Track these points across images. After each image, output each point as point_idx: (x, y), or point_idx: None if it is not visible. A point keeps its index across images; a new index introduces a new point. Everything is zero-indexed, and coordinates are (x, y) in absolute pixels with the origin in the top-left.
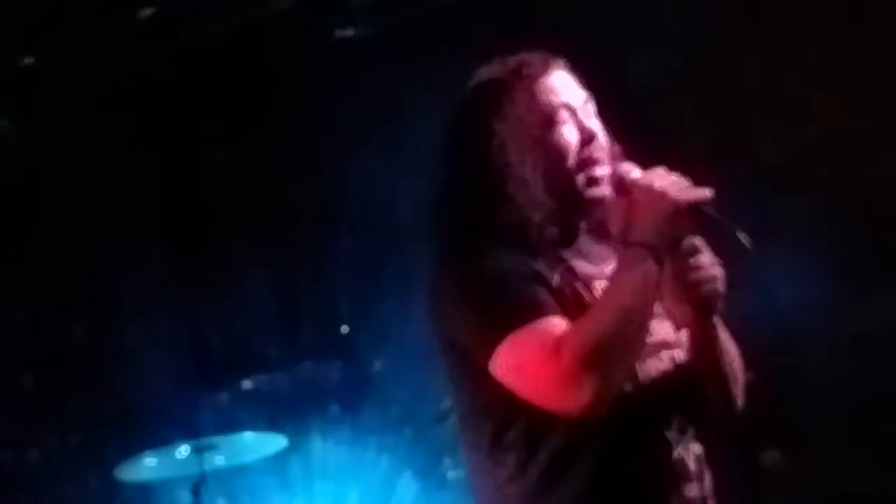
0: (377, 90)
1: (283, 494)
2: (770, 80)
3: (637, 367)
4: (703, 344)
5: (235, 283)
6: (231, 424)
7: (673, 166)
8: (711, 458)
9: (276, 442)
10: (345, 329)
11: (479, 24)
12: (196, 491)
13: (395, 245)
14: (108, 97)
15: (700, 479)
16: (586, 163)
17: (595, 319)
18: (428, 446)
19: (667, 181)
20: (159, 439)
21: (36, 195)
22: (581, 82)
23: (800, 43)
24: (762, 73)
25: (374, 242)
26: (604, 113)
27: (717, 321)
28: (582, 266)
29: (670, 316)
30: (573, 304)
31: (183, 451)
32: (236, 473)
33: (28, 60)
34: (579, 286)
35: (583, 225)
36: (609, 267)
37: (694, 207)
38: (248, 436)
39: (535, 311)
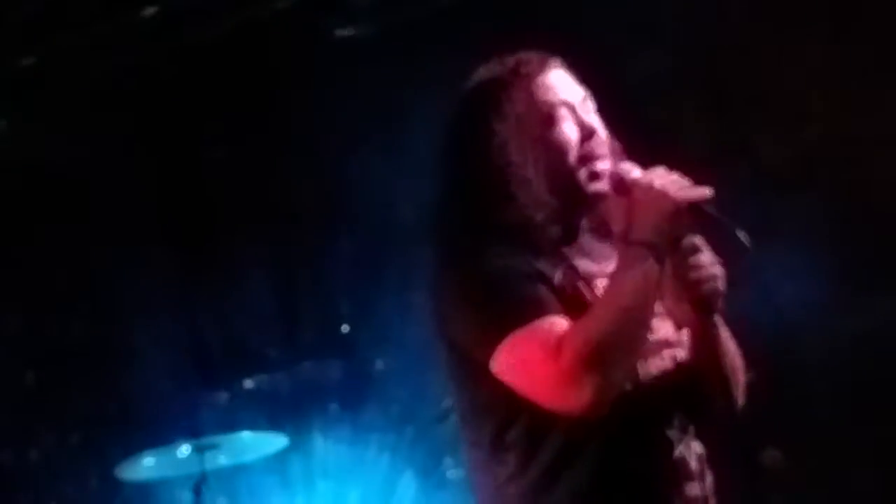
0: (377, 90)
1: (283, 494)
2: (770, 80)
3: (638, 365)
4: (704, 343)
5: (236, 283)
6: (231, 424)
7: (673, 166)
8: (712, 457)
9: (276, 441)
10: (345, 328)
11: (479, 23)
12: (197, 490)
13: (395, 245)
14: (108, 97)
15: (701, 478)
16: (587, 158)
17: (596, 319)
18: (429, 446)
19: (667, 180)
20: (160, 439)
21: (36, 195)
22: (579, 79)
23: (800, 43)
24: (762, 73)
25: (374, 242)
26: (604, 112)
27: (718, 320)
28: (584, 264)
29: (671, 315)
30: (575, 302)
31: (184, 450)
32: (237, 473)
33: (28, 60)
34: (581, 285)
35: (584, 223)
36: (611, 265)
37: (694, 206)
38: (249, 435)
39: (537, 310)
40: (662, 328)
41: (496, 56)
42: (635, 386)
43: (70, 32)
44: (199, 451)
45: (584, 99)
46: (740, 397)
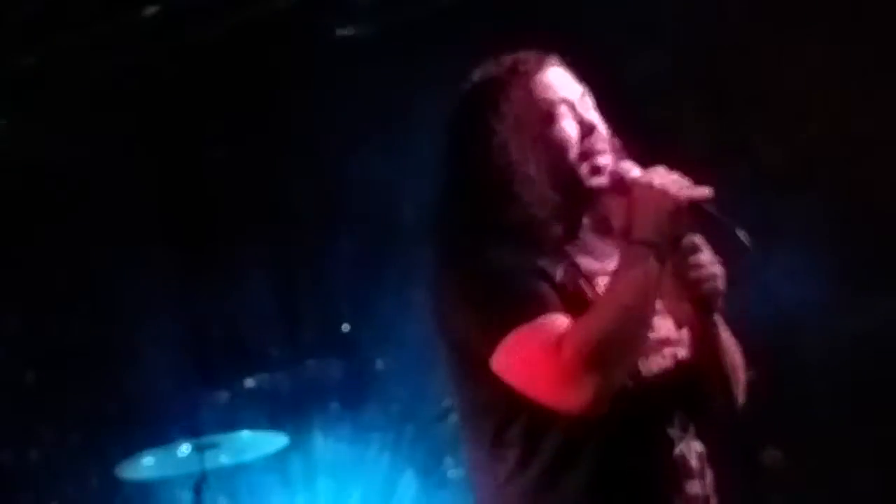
0: (377, 90)
1: (284, 493)
2: (770, 80)
3: (639, 363)
4: (704, 342)
5: (236, 283)
6: (232, 423)
7: (673, 165)
8: (712, 455)
9: (276, 440)
10: (345, 327)
11: (479, 23)
12: (197, 489)
13: (395, 245)
14: (108, 97)
15: (701, 476)
16: (588, 154)
17: (596, 318)
18: (429, 445)
19: (667, 179)
20: (160, 438)
21: (36, 195)
22: (577, 76)
23: (800, 43)
24: (762, 73)
25: (375, 242)
26: (604, 111)
27: (718, 319)
28: (585, 262)
29: (672, 313)
30: (576, 300)
31: (184, 449)
32: (237, 472)
33: (28, 60)
34: (582, 282)
35: (586, 220)
36: (612, 263)
37: (694, 205)
38: (249, 434)
39: (538, 308)
40: (663, 326)
41: (494, 55)
42: (636, 384)
43: (70, 32)
44: (199, 450)
45: (583, 95)
46: (740, 396)
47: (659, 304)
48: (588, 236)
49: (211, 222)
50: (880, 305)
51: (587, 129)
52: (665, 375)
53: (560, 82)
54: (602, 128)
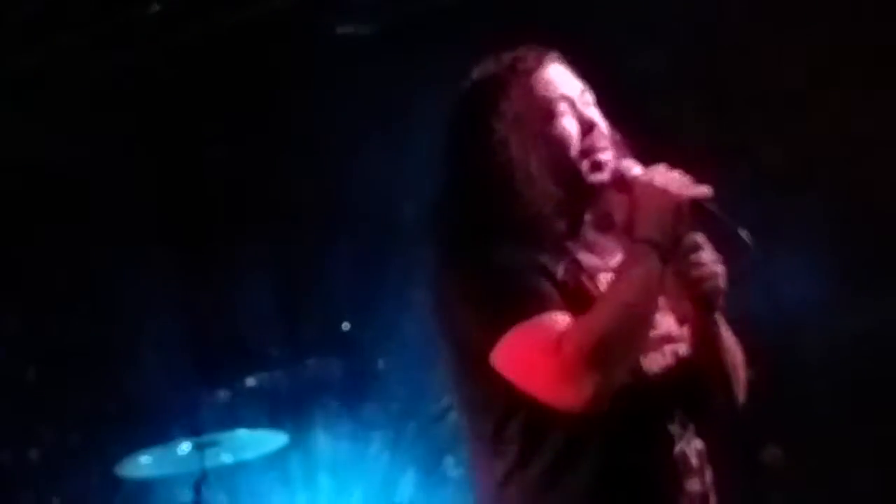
0: (377, 88)
1: (284, 492)
2: (770, 80)
3: (640, 360)
4: (705, 340)
5: (236, 283)
6: (232, 422)
7: (673, 163)
8: (712, 453)
9: (276, 439)
10: (345, 326)
11: (479, 21)
12: (197, 488)
13: (395, 244)
14: (108, 97)
15: (701, 474)
16: (589, 151)
17: (598, 316)
18: (429, 443)
19: (668, 178)
20: (161, 436)
21: (36, 195)
22: (576, 73)
23: (800, 43)
24: (762, 73)
25: (375, 241)
26: (604, 109)
27: (719, 317)
28: (587, 258)
29: (673, 311)
30: (578, 296)
31: (184, 448)
32: (237, 470)
33: (28, 60)
34: (584, 278)
35: (588, 216)
36: (614, 259)
37: (695, 204)
38: (249, 433)
39: (539, 305)
40: (664, 323)
41: (494, 53)
42: (637, 381)
43: (70, 32)
44: (199, 448)
45: (583, 92)
46: (741, 394)
47: (660, 302)
48: (589, 233)
49: (211, 222)
50: (880, 305)
51: (587, 126)
52: (666, 373)
53: (560, 79)
54: (602, 124)
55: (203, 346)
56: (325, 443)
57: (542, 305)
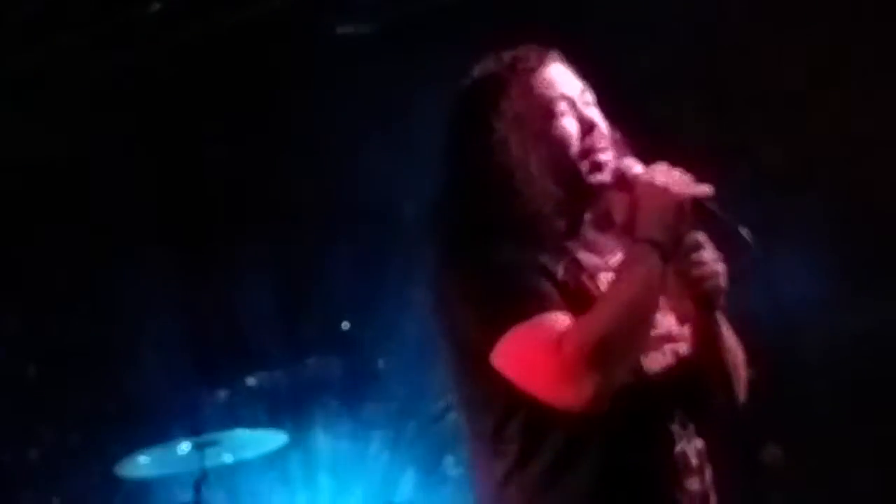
0: (378, 87)
1: (284, 491)
2: (770, 80)
3: (640, 360)
4: (705, 339)
5: (236, 282)
6: (232, 421)
7: (674, 162)
8: (712, 452)
9: (276, 438)
10: (345, 325)
11: (479, 21)
12: (197, 488)
13: (395, 243)
14: (108, 97)
15: (701, 473)
16: (589, 151)
17: (598, 316)
18: (429, 442)
19: (669, 177)
20: (161, 436)
21: (36, 195)
22: (576, 73)
23: (800, 43)
24: (762, 73)
25: (375, 240)
26: (604, 111)
27: (720, 316)
28: (587, 257)
29: (674, 310)
30: (579, 296)
31: (184, 447)
32: (237, 470)
33: (28, 60)
34: (584, 277)
35: (588, 215)
36: (614, 258)
37: (696, 203)
38: (249, 432)
39: (540, 305)
40: (664, 323)
41: (492, 52)
42: (638, 381)
43: (70, 32)
44: (199, 448)
45: (583, 92)
46: (741, 393)
47: (661, 301)
48: (589, 232)
49: (211, 222)
50: (880, 305)
51: (587, 126)
52: (667, 372)
53: (560, 79)
54: (602, 124)
55: (203, 346)
56: (324, 442)
57: (543, 305)
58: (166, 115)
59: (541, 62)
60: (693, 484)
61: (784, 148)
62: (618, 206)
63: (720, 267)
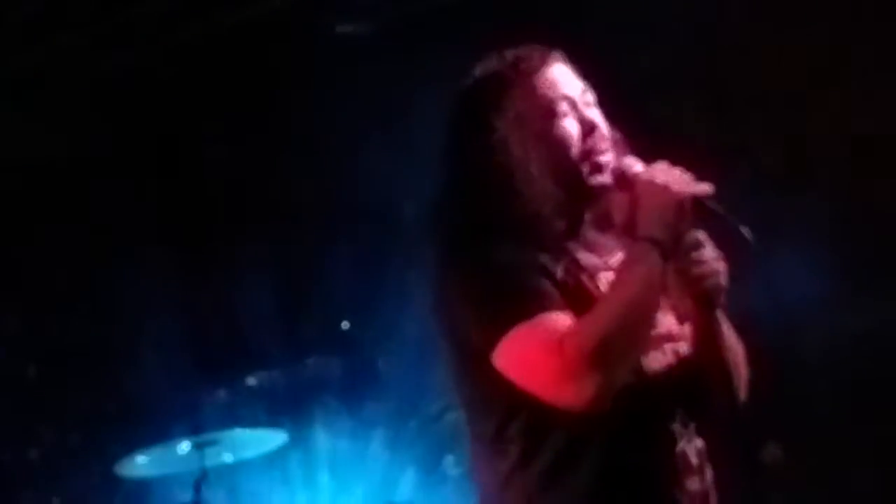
0: (377, 87)
1: (284, 490)
2: (770, 80)
3: (641, 359)
4: (706, 338)
5: (236, 282)
6: (232, 420)
7: (674, 161)
8: (712, 452)
9: (276, 438)
10: (345, 325)
11: (479, 21)
12: (197, 487)
13: (395, 243)
14: (108, 97)
15: (701, 472)
16: (590, 152)
17: (599, 315)
18: (430, 442)
19: (669, 175)
20: (161, 436)
21: (36, 195)
22: (578, 73)
23: (800, 43)
24: (762, 73)
25: (375, 240)
26: (604, 111)
27: (720, 315)
28: (587, 257)
29: (674, 309)
30: (578, 296)
31: (184, 447)
32: (237, 469)
33: (28, 60)
34: (584, 278)
35: (587, 216)
36: (613, 258)
37: (696, 201)
38: (249, 432)
39: (541, 305)
40: (665, 322)
41: (497, 51)
42: (638, 380)
43: (70, 32)
44: (199, 447)
45: (584, 92)
46: (742, 392)
47: (662, 300)
48: (589, 232)
49: (211, 222)
50: (880, 305)
51: (588, 128)
52: (667, 372)
53: (562, 79)
54: (603, 125)
55: (203, 346)
56: (325, 442)
57: (543, 305)
58: (166, 115)
59: (543, 62)
60: (693, 484)
61: (784, 148)
62: (618, 206)
63: (720, 265)
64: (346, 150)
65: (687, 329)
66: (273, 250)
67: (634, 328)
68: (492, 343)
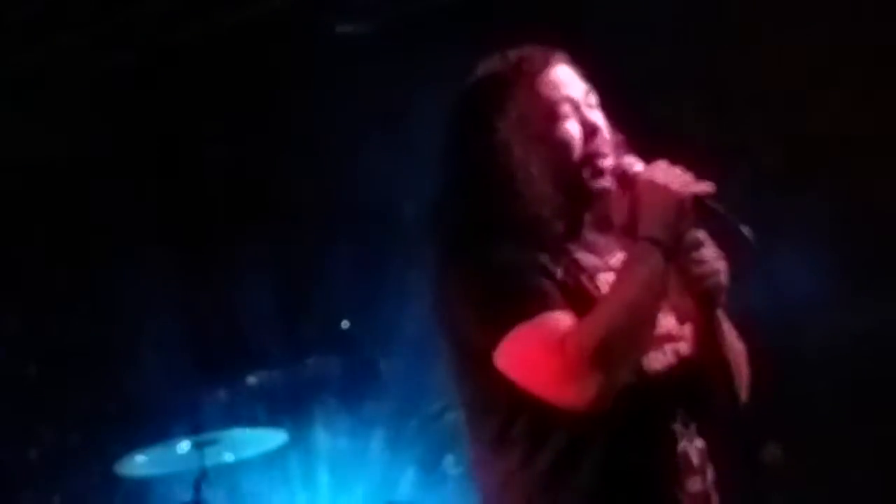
0: (377, 87)
1: (284, 490)
2: (770, 80)
3: (642, 359)
4: (707, 337)
5: (236, 282)
6: (232, 420)
7: (674, 160)
8: (713, 452)
9: (276, 437)
10: (345, 324)
11: (479, 21)
12: (197, 486)
13: (395, 243)
14: (108, 97)
15: (703, 472)
16: (591, 156)
17: (601, 315)
18: (430, 441)
19: (669, 174)
20: (161, 435)
21: (36, 195)
22: (581, 74)
23: (800, 43)
24: (762, 73)
25: (375, 240)
26: (604, 111)
27: (721, 315)
28: (586, 258)
29: (674, 309)
30: (578, 296)
31: (184, 446)
32: (237, 469)
33: (28, 60)
34: (584, 278)
35: (587, 217)
36: (613, 258)
37: (697, 200)
38: (249, 431)
39: (542, 305)
40: (666, 322)
41: (499, 51)
42: (639, 381)
43: (70, 32)
44: (199, 447)
45: (587, 94)
46: (743, 392)
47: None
48: (589, 233)
49: (211, 222)
50: (880, 305)
51: (590, 130)
52: (668, 372)
53: (565, 80)
54: (605, 129)
55: (203, 346)
56: (324, 441)
57: (545, 304)
58: (166, 115)
59: (547, 63)
60: (695, 484)
61: (784, 148)
62: (617, 206)
63: (721, 265)
64: (346, 150)
65: (687, 329)
66: (273, 250)
67: (636, 328)
68: (493, 343)
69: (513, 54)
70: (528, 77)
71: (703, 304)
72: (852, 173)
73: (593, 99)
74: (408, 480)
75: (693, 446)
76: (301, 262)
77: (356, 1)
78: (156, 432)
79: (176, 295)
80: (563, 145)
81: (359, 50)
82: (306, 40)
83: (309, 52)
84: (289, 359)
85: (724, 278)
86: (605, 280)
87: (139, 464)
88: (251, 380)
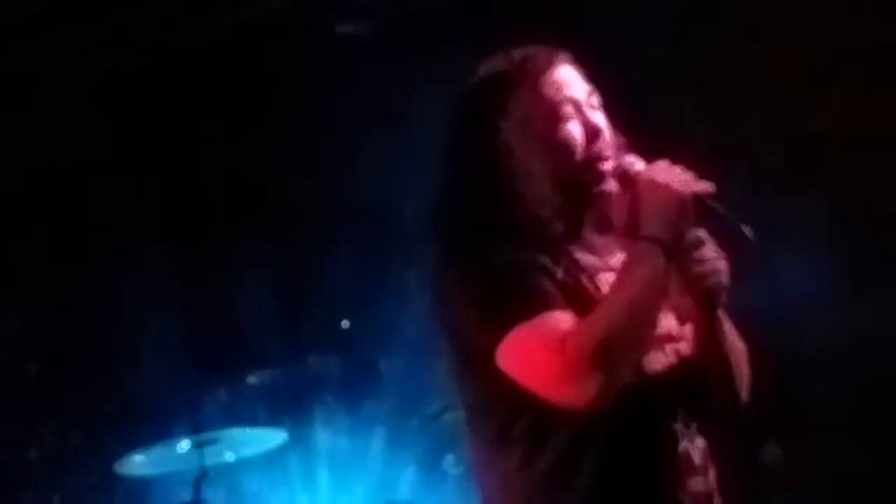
0: (377, 87)
1: (284, 489)
2: (770, 80)
3: (642, 359)
4: (707, 337)
5: (236, 281)
6: (232, 419)
7: (675, 160)
8: (714, 451)
9: (276, 437)
10: (345, 324)
11: (479, 21)
12: (197, 486)
13: (395, 243)
14: (109, 97)
15: (705, 472)
16: (593, 158)
17: (602, 315)
18: (430, 441)
19: (670, 174)
20: (160, 435)
21: (36, 195)
22: (584, 74)
23: (800, 43)
24: (762, 73)
25: (375, 240)
26: (608, 109)
27: (722, 314)
28: (586, 259)
29: (675, 309)
30: (578, 297)
31: (184, 446)
32: (237, 468)
33: (28, 60)
34: (584, 278)
35: (588, 217)
36: (613, 259)
37: (698, 200)
38: (249, 431)
39: (542, 304)
40: (666, 322)
41: (501, 51)
42: (639, 381)
43: (70, 32)
44: (199, 446)
45: (590, 95)
46: (744, 391)
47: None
48: (589, 234)
49: (211, 222)
50: (880, 305)
51: (592, 132)
52: (668, 372)
53: (568, 81)
54: (607, 130)
55: (203, 346)
56: (324, 440)
57: (545, 304)
58: (166, 115)
59: (550, 63)
60: (697, 484)
61: (784, 148)
62: (618, 206)
63: (722, 264)
64: (346, 150)
65: (688, 329)
66: (273, 250)
67: (637, 328)
68: (493, 343)
69: (516, 54)
70: (532, 77)
71: (703, 303)
72: (852, 173)
73: (596, 100)
74: (408, 480)
75: (694, 446)
76: (301, 262)
77: (356, 1)
78: (156, 432)
79: (176, 295)
80: (565, 146)
81: (359, 50)
82: (306, 40)
83: (309, 52)
84: (289, 358)
85: (724, 278)
86: (606, 280)
87: (139, 463)
88: (251, 379)
